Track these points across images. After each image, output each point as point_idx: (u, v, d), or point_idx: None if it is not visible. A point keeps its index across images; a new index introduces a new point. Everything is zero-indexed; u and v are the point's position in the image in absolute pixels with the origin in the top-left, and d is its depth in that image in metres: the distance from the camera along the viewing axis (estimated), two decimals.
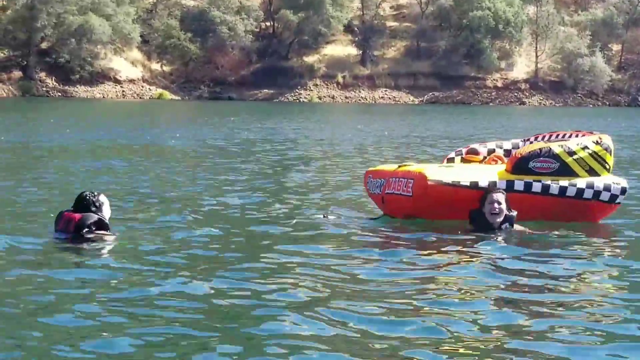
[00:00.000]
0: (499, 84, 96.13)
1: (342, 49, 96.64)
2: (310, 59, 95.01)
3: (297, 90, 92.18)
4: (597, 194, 11.23)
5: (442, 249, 9.80)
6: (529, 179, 11.07)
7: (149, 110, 60.58)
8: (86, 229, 9.89)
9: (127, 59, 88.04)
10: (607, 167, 11.45)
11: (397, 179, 11.37)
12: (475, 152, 12.31)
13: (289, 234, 10.77)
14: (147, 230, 10.84)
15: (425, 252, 9.61)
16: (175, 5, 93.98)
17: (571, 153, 11.20)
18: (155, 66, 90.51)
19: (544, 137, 12.51)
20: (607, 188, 11.32)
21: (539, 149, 11.20)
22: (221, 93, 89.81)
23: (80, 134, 30.72)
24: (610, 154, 11.45)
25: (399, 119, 53.22)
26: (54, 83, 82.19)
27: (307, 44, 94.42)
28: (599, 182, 11.30)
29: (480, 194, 10.84)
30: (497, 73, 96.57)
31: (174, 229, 10.84)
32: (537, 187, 11.06)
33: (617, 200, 11.49)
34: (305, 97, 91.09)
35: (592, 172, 11.29)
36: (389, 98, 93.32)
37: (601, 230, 11.34)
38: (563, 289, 8.08)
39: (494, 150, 12.49)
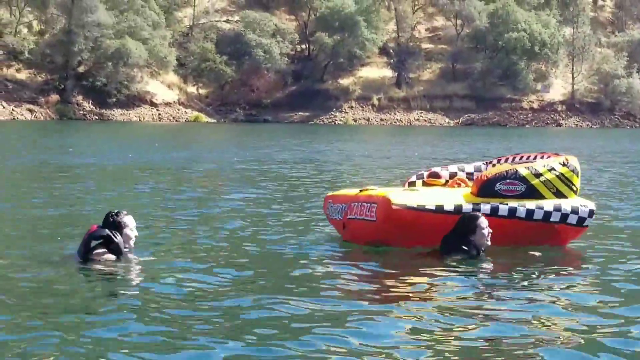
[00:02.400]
0: (535, 106, 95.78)
1: (377, 71, 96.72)
2: (345, 81, 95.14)
3: (332, 112, 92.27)
4: (564, 217, 10.93)
5: (430, 272, 9.50)
6: (495, 201, 10.74)
7: (184, 132, 60.80)
8: (93, 243, 9.87)
9: (163, 82, 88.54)
10: (574, 189, 11.20)
11: (360, 203, 10.98)
12: (436, 176, 12.05)
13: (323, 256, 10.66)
14: (174, 250, 10.76)
15: (406, 272, 9.44)
16: (211, 29, 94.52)
17: (538, 175, 10.94)
18: (191, 89, 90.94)
19: (507, 159, 12.30)
20: (574, 211, 11.03)
21: (505, 171, 10.93)
22: (257, 116, 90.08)
23: (121, 155, 30.85)
24: (577, 176, 11.24)
25: (435, 140, 53.06)
26: (91, 106, 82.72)
27: (342, 67, 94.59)
28: (566, 204, 11.01)
29: (446, 217, 10.49)
30: (533, 94, 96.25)
31: (197, 251, 10.70)
32: (503, 210, 10.71)
33: (585, 223, 11.19)
34: (340, 120, 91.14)
35: (559, 194, 11.03)
36: (425, 120, 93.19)
37: (569, 251, 11.11)
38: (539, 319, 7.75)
39: (456, 174, 12.24)
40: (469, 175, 12.18)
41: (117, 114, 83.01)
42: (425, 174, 12.18)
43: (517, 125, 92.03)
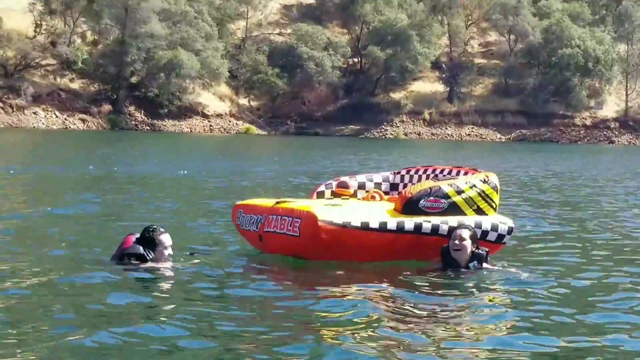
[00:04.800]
0: (588, 123, 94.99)
1: (429, 85, 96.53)
2: (396, 95, 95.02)
3: (383, 126, 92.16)
4: (484, 234, 10.78)
5: (396, 289, 9.29)
6: (418, 219, 10.59)
7: (236, 143, 61.00)
8: (125, 258, 9.88)
9: (215, 93, 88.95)
10: (494, 205, 11.13)
11: (279, 217, 10.64)
12: (345, 186, 11.89)
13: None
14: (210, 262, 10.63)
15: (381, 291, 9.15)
16: (263, 41, 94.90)
17: (460, 192, 10.82)
18: (243, 101, 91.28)
19: (417, 170, 12.29)
20: (494, 228, 10.92)
21: (429, 188, 10.78)
22: (307, 128, 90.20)
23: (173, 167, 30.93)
24: (497, 193, 11.17)
25: (488, 155, 52.80)
26: (143, 117, 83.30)
27: (394, 80, 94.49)
28: (486, 222, 10.90)
29: (370, 235, 10.37)
30: (586, 111, 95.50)
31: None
32: (427, 227, 10.55)
33: (503, 240, 11.11)
34: (391, 134, 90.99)
35: (479, 211, 10.93)
36: (476, 135, 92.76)
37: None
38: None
39: (364, 184, 12.19)
40: (377, 185, 12.24)
41: (169, 124, 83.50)
42: (334, 183, 12.05)
43: (569, 141, 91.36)
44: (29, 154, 38.81)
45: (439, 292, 9.14)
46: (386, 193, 12.12)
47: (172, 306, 8.11)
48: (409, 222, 10.55)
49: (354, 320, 7.70)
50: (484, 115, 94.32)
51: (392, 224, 10.49)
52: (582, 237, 14.12)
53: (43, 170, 27.09)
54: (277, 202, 10.97)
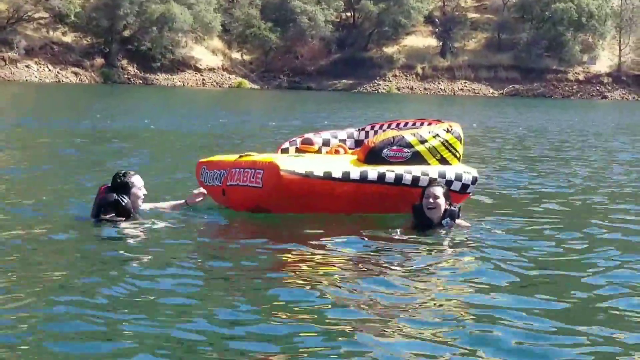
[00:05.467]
0: (581, 78, 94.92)
1: (422, 40, 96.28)
2: (389, 49, 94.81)
3: (375, 81, 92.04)
4: (448, 183, 10.73)
5: (373, 248, 9.12)
6: (382, 168, 10.57)
7: (229, 98, 60.99)
8: (102, 210, 9.94)
9: (207, 47, 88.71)
10: (458, 155, 11.13)
11: (242, 169, 10.60)
12: (309, 142, 11.92)
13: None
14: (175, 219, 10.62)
15: (355, 252, 8.99)
16: None
17: (423, 141, 10.83)
18: (236, 55, 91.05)
19: (381, 125, 12.23)
20: (458, 178, 10.94)
21: (392, 137, 10.77)
22: (300, 83, 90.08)
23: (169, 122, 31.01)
24: (461, 142, 11.17)
25: (486, 110, 52.85)
26: (135, 70, 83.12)
27: (386, 35, 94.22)
28: (450, 171, 10.91)
29: (333, 184, 10.34)
30: (579, 66, 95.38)
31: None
32: (390, 177, 10.55)
33: (468, 190, 11.15)
34: (383, 88, 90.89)
35: (443, 160, 10.95)
36: (469, 90, 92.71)
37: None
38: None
39: (329, 140, 12.16)
40: (342, 142, 12.18)
41: (161, 78, 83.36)
42: (298, 140, 12.04)
43: (562, 96, 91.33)
44: (17, 108, 38.83)
45: (411, 251, 8.98)
46: (351, 149, 12.02)
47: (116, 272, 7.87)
48: (372, 172, 10.54)
49: (321, 281, 7.61)
50: (476, 70, 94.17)
51: (355, 174, 10.48)
52: (562, 193, 14.23)
53: (29, 125, 27.21)
54: (240, 156, 10.93)
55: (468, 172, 11.16)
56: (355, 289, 7.29)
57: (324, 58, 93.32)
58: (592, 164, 19.40)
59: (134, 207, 10.11)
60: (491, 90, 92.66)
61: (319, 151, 11.91)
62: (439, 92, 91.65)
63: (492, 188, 14.28)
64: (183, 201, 11.07)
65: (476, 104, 65.75)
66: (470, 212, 11.11)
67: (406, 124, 11.90)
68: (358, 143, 12.26)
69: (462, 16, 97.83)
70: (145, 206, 10.46)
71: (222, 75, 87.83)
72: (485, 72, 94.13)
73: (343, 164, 10.61)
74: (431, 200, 9.98)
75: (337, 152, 11.66)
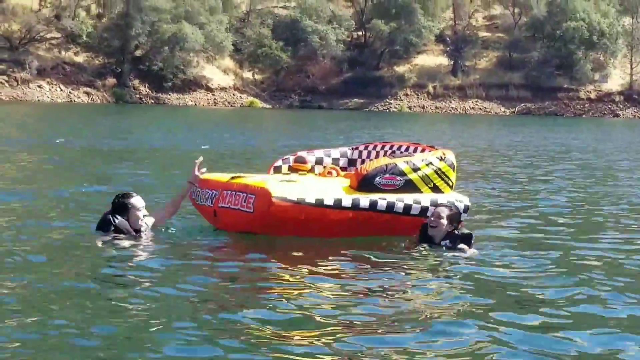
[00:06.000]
0: (592, 96, 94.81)
1: (433, 59, 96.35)
2: (401, 68, 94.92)
3: (387, 99, 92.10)
4: None
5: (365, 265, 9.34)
6: (374, 195, 10.56)
7: (241, 117, 61.10)
8: (101, 228, 10.15)
9: (219, 67, 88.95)
10: (450, 183, 11.12)
11: (234, 192, 10.57)
12: (302, 161, 11.89)
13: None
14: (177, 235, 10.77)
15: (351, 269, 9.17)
16: (267, 14, 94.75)
17: (416, 169, 10.81)
18: (247, 74, 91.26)
19: (374, 146, 12.25)
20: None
21: (385, 165, 10.73)
22: (311, 102, 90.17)
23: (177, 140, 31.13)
24: (454, 171, 11.15)
25: (494, 129, 52.84)
26: (147, 90, 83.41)
27: (398, 54, 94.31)
28: (442, 200, 10.86)
29: (325, 211, 10.35)
30: (591, 85, 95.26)
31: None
32: (382, 205, 10.55)
33: (460, 219, 10.95)
34: (395, 107, 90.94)
35: (435, 189, 10.93)
36: (480, 109, 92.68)
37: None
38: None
39: (322, 159, 12.18)
40: (335, 161, 12.21)
41: (173, 98, 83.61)
42: (292, 158, 12.03)
43: (573, 115, 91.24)
44: (32, 127, 39.00)
45: (391, 267, 9.14)
46: (344, 169, 12.09)
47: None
48: (364, 199, 10.53)
49: (312, 294, 7.81)
50: (488, 88, 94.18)
51: (347, 201, 10.47)
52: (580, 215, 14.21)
53: (43, 144, 27.32)
54: (233, 177, 10.92)
55: (460, 201, 11.12)
56: (330, 305, 7.33)
57: (335, 77, 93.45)
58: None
59: (134, 228, 10.20)
60: (502, 109, 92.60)
61: (311, 170, 11.91)
62: (450, 110, 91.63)
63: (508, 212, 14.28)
64: (185, 185, 11.10)
65: (490, 123, 65.72)
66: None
67: (400, 147, 11.89)
68: (351, 162, 12.27)
69: (473, 35, 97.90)
70: (149, 221, 10.53)
71: (233, 94, 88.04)
72: (497, 91, 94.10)
73: (335, 191, 10.60)
74: (433, 219, 10.18)
75: (329, 173, 11.64)
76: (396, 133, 41.47)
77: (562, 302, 7.74)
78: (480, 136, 43.86)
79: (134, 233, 10.16)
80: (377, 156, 11.87)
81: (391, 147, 12.04)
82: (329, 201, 10.41)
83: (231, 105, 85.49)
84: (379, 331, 6.55)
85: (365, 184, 10.65)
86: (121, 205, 10.20)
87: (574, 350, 6.27)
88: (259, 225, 10.42)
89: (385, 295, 7.89)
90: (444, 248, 10.03)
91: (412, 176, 10.82)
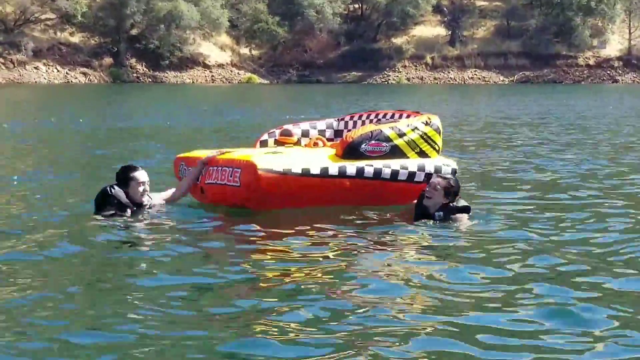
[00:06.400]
0: (591, 62, 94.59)
1: (430, 29, 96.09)
2: (398, 40, 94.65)
3: (385, 72, 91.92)
4: (428, 176, 10.62)
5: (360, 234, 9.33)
6: (360, 163, 10.50)
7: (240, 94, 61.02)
8: (98, 203, 10.08)
9: (215, 43, 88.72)
10: (437, 148, 11.06)
11: (220, 167, 10.52)
12: (288, 134, 11.86)
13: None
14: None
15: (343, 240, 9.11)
16: None
17: (402, 135, 10.75)
18: (244, 50, 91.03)
19: (360, 116, 12.21)
20: (437, 170, 10.78)
21: (370, 131, 10.67)
22: (309, 76, 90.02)
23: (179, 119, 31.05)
24: (440, 135, 11.09)
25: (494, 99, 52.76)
26: (144, 69, 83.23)
27: (395, 26, 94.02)
28: (429, 164, 10.81)
29: (312, 181, 10.28)
30: (589, 51, 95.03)
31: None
32: (369, 171, 10.49)
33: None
34: (393, 79, 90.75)
35: (422, 153, 10.88)
36: (479, 78, 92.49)
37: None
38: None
39: (308, 131, 12.12)
40: (321, 132, 12.17)
41: (170, 76, 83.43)
42: (277, 132, 11.98)
43: (572, 82, 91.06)
44: (24, 109, 38.92)
45: (380, 242, 9.07)
46: (330, 140, 12.02)
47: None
48: (351, 167, 10.47)
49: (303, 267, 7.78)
50: (486, 58, 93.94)
51: (333, 169, 10.41)
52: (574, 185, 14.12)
53: (40, 125, 27.26)
54: (221, 153, 10.83)
55: (447, 165, 11.05)
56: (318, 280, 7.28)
57: (332, 51, 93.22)
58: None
59: (133, 201, 10.14)
60: (501, 78, 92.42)
61: (298, 142, 11.87)
62: (449, 81, 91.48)
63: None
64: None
65: (489, 92, 65.63)
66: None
67: (385, 115, 11.83)
68: (337, 133, 12.22)
69: (470, 4, 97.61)
70: (155, 199, 10.51)
71: (231, 71, 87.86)
72: (495, 60, 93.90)
73: (321, 160, 10.53)
74: (429, 189, 10.06)
75: (316, 144, 11.62)
76: (394, 105, 41.32)
77: (559, 275, 7.60)
78: (478, 106, 43.72)
79: (131, 206, 10.08)
80: (362, 125, 11.75)
81: (376, 116, 11.97)
82: (315, 170, 10.33)
83: (229, 82, 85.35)
84: (365, 307, 6.47)
85: (351, 151, 10.59)
86: (123, 177, 10.17)
87: (573, 324, 6.15)
88: (246, 199, 10.35)
89: (370, 270, 7.82)
90: (437, 219, 9.90)
91: (398, 142, 10.77)
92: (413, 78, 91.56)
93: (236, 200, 10.43)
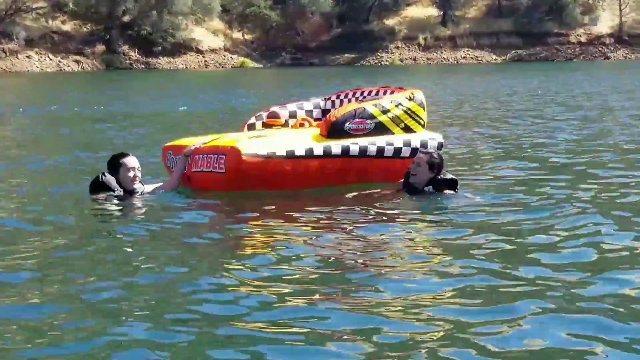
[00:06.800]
0: (583, 39, 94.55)
1: (422, 10, 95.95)
2: (390, 21, 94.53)
3: (378, 53, 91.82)
4: (414, 151, 10.66)
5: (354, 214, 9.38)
6: (345, 142, 10.51)
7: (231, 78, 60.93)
8: (90, 190, 10.27)
9: (208, 28, 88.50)
10: (422, 122, 11.09)
11: (205, 155, 10.49)
12: (276, 116, 11.86)
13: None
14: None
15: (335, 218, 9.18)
16: None
17: (385, 111, 10.78)
18: (237, 35, 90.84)
19: (346, 94, 12.21)
20: (423, 144, 10.86)
21: (354, 110, 10.68)
22: (302, 59, 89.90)
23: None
24: (424, 109, 11.13)
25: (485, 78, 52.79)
26: (137, 55, 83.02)
27: (387, 7, 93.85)
28: (415, 139, 10.88)
29: (297, 162, 10.30)
30: (581, 28, 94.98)
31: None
32: (354, 150, 10.51)
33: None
34: (386, 60, 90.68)
35: (407, 129, 10.92)
36: (472, 58, 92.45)
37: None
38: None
39: (295, 112, 12.12)
40: (309, 113, 12.16)
41: (163, 62, 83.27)
42: (264, 114, 11.98)
43: (564, 59, 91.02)
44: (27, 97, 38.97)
45: (372, 217, 9.18)
46: (318, 120, 12.01)
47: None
48: (336, 146, 10.49)
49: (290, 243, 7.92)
50: (478, 37, 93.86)
51: (318, 150, 10.42)
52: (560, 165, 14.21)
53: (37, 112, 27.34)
54: (205, 142, 10.79)
55: (433, 139, 11.13)
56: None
57: (325, 33, 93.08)
58: None
59: (125, 187, 10.25)
60: (494, 57, 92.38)
61: (285, 124, 11.88)
62: (442, 61, 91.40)
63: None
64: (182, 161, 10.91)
65: (481, 71, 65.64)
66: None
67: (370, 92, 11.87)
68: (325, 112, 12.18)
69: None
70: (148, 188, 10.59)
71: (224, 55, 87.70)
72: (487, 39, 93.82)
73: (306, 141, 10.53)
74: (412, 166, 10.15)
75: (302, 125, 11.66)
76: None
77: (554, 245, 7.66)
78: (471, 84, 43.81)
79: (120, 190, 10.19)
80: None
81: (362, 94, 12.00)
82: (300, 152, 10.35)
83: (222, 67, 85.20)
84: (361, 286, 6.51)
85: (335, 130, 10.60)
86: (113, 164, 10.32)
87: (564, 291, 6.27)
88: (232, 185, 10.34)
89: (366, 248, 7.88)
90: (427, 194, 10.03)
91: (382, 118, 10.80)
92: (406, 59, 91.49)
93: (222, 186, 10.41)
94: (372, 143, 10.67)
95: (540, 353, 5.01)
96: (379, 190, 10.44)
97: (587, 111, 23.91)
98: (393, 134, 10.87)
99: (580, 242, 7.72)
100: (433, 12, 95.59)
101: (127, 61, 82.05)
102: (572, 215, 8.87)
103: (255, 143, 10.35)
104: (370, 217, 9.21)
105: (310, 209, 9.56)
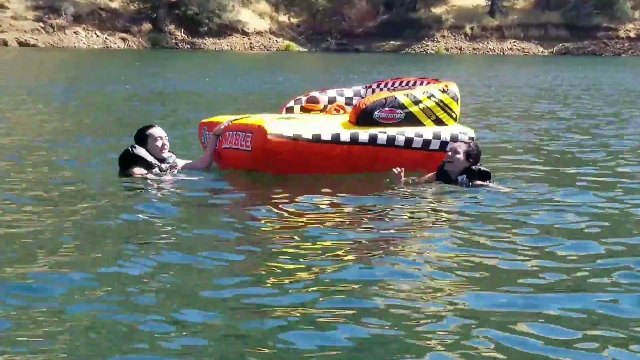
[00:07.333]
0: (632, 35, 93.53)
1: None
2: (438, 10, 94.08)
3: (424, 41, 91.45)
4: (443, 144, 10.60)
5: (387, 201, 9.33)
6: (373, 130, 10.42)
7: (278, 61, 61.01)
8: (122, 164, 10.39)
9: (254, 11, 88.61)
10: (454, 116, 10.96)
11: (235, 132, 10.56)
12: (315, 101, 11.81)
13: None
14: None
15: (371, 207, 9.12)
16: None
17: (417, 102, 10.66)
18: (283, 18, 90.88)
19: (387, 83, 12.05)
20: (454, 138, 10.71)
21: (384, 98, 10.57)
22: (348, 45, 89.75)
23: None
24: (457, 102, 10.98)
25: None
26: (183, 35, 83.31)
27: None
28: (445, 132, 10.74)
29: (323, 147, 10.25)
30: (631, 23, 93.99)
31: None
32: (382, 138, 10.42)
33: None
34: (432, 49, 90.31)
35: (438, 121, 10.78)
36: (518, 49, 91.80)
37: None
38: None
39: (335, 99, 12.01)
40: (349, 100, 12.02)
41: (209, 43, 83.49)
42: (304, 98, 11.94)
43: (612, 54, 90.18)
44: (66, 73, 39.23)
45: (401, 205, 9.13)
46: None
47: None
48: (364, 134, 10.42)
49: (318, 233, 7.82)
50: (526, 29, 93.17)
51: (345, 136, 10.37)
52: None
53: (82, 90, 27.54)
54: (237, 119, 10.89)
55: (464, 133, 10.98)
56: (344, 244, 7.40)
57: (371, 20, 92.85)
58: None
59: (157, 157, 10.41)
60: (541, 49, 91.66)
61: (324, 109, 11.84)
62: (487, 52, 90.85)
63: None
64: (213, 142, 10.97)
65: (529, 63, 65.23)
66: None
67: (408, 83, 11.73)
68: None
69: None
70: (180, 163, 10.68)
71: (269, 38, 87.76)
72: (535, 31, 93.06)
73: (333, 126, 10.49)
74: (450, 153, 10.06)
75: (337, 111, 11.61)
76: (431, 76, 41.30)
77: (585, 244, 7.53)
78: (517, 77, 43.54)
79: (155, 161, 10.34)
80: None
81: (401, 83, 11.88)
82: (326, 136, 10.31)
83: (267, 50, 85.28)
84: (385, 274, 6.49)
85: (364, 118, 10.54)
86: (140, 136, 10.48)
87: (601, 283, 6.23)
88: (257, 164, 10.38)
89: (393, 236, 7.85)
90: (460, 184, 9.96)
91: (413, 109, 10.71)
92: (452, 48, 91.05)
93: (248, 164, 10.46)
94: (401, 133, 10.58)
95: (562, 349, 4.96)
96: (413, 177, 10.35)
97: (628, 108, 23.69)
98: (424, 125, 10.77)
99: (611, 241, 7.61)
100: (481, 1, 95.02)
101: (173, 41, 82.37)
102: (604, 215, 8.74)
103: (282, 124, 10.38)
104: (399, 205, 9.15)
105: (338, 194, 9.52)
